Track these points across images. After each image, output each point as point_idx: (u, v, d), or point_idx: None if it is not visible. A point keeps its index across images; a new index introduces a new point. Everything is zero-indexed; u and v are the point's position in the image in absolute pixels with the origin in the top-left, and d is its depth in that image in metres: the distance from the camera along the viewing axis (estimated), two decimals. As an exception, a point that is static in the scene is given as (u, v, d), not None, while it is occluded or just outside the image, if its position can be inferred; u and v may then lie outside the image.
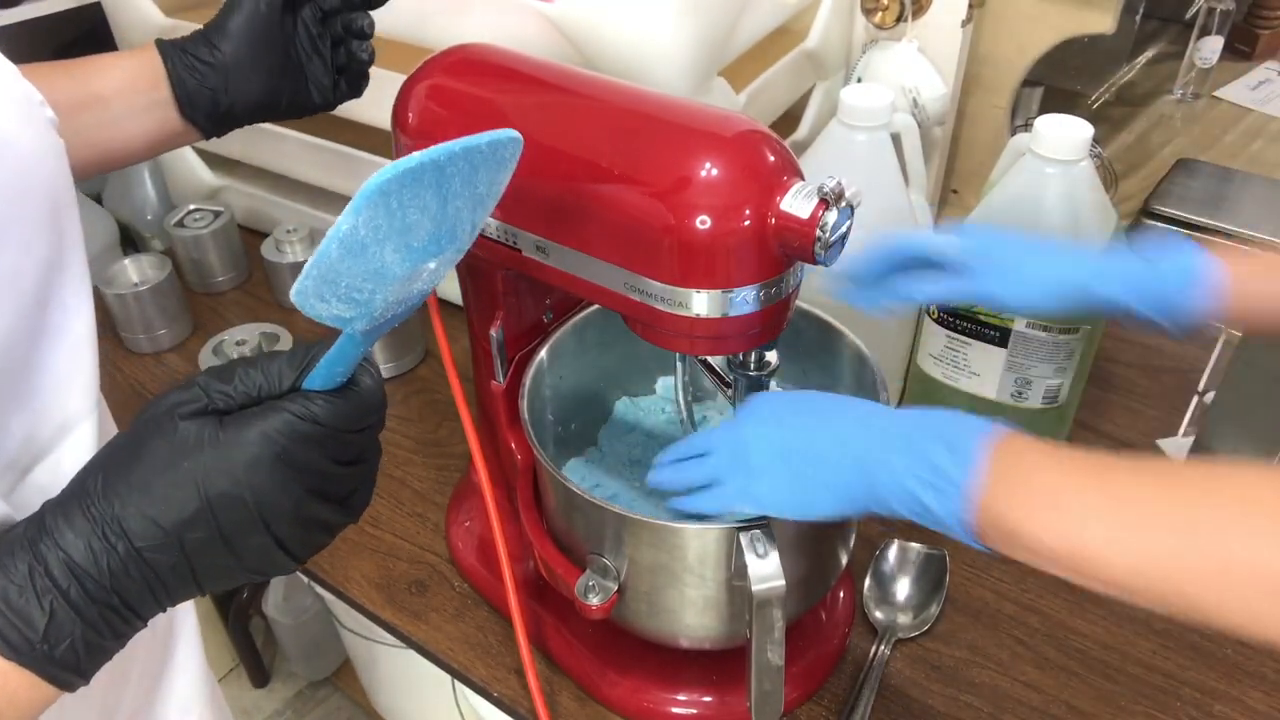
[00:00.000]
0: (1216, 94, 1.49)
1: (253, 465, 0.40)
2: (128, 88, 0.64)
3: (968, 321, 0.83)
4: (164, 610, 0.42)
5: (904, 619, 0.78)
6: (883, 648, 0.75)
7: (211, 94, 0.65)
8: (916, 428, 0.48)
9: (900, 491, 0.47)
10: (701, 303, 0.53)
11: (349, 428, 0.42)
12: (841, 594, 0.78)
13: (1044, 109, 1.21)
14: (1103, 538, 0.40)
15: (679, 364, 0.69)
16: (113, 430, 0.55)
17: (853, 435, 0.50)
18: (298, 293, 0.38)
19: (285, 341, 1.07)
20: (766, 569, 0.56)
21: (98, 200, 1.25)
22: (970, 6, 1.03)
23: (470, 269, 0.67)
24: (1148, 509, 0.40)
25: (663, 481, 0.58)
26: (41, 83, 0.48)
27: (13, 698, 0.39)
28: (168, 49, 0.65)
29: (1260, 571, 0.37)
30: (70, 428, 0.50)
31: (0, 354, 0.45)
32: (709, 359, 0.66)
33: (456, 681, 0.79)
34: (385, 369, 1.04)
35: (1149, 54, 1.59)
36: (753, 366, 0.61)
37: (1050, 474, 0.43)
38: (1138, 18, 1.38)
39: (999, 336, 0.82)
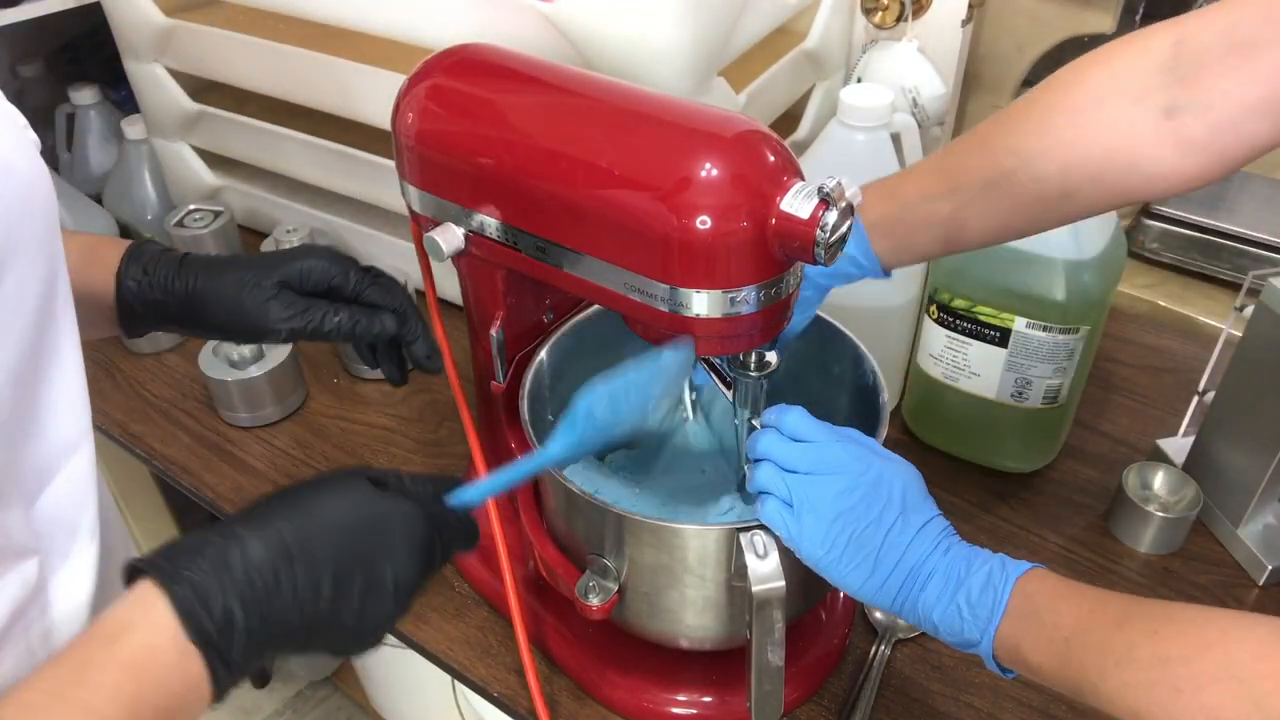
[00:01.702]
0: (1217, 94, 1.48)
1: (407, 537, 0.50)
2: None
3: (968, 321, 0.83)
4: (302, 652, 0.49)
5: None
6: (883, 648, 0.75)
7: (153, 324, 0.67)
8: (968, 567, 0.54)
9: (946, 613, 0.54)
10: (701, 303, 0.53)
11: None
12: (841, 594, 0.78)
13: (1044, 109, 1.21)
14: (1097, 683, 0.47)
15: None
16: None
17: (910, 550, 0.55)
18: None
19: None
20: (767, 569, 0.56)
21: (98, 200, 1.25)
22: (970, 6, 1.03)
23: (470, 269, 0.67)
24: (1138, 666, 0.45)
25: (754, 448, 0.59)
26: None
27: (194, 692, 0.43)
28: (128, 288, 0.65)
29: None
30: (70, 452, 0.51)
31: (11, 381, 0.45)
32: (710, 359, 0.66)
33: (456, 681, 0.79)
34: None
35: (1149, 54, 1.58)
36: (753, 367, 0.61)
37: (1063, 616, 0.50)
38: (1138, 18, 1.38)
39: (999, 336, 0.82)
